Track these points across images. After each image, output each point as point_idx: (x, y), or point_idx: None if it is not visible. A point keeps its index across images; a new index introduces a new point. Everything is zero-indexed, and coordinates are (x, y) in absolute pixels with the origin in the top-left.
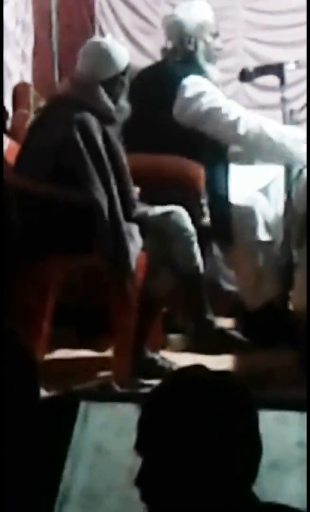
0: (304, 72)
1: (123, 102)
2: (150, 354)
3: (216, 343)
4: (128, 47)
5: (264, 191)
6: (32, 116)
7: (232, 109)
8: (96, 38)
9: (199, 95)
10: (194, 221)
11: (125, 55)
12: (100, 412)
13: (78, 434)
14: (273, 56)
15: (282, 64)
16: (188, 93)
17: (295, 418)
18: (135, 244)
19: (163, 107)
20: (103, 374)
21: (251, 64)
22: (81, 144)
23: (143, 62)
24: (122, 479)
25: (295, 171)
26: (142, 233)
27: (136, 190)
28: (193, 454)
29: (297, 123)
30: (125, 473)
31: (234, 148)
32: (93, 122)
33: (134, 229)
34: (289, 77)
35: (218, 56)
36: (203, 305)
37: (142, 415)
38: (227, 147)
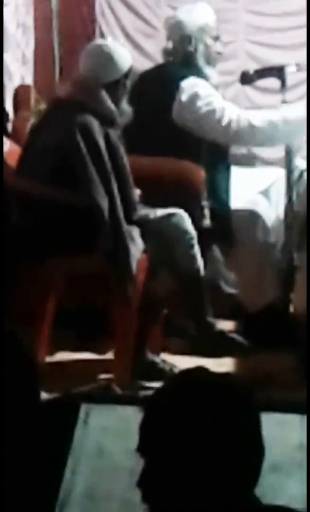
0: (305, 74)
1: (125, 105)
2: (150, 357)
3: (216, 345)
4: (128, 49)
5: (265, 193)
6: (33, 119)
7: (225, 112)
8: (99, 40)
9: (196, 98)
10: (195, 224)
11: (127, 58)
12: (101, 414)
13: (78, 437)
14: (274, 58)
15: (283, 66)
16: (185, 95)
17: (296, 421)
18: (136, 246)
19: (163, 110)
20: (103, 376)
21: (252, 67)
22: (83, 147)
23: (143, 64)
24: (123, 482)
25: (296, 174)
26: (143, 235)
27: (137, 192)
28: (195, 456)
29: None
30: (126, 475)
31: (235, 151)
32: (95, 125)
33: (135, 231)
34: (290, 79)
35: (218, 59)
36: (204, 308)
37: (145, 417)
38: (228, 149)
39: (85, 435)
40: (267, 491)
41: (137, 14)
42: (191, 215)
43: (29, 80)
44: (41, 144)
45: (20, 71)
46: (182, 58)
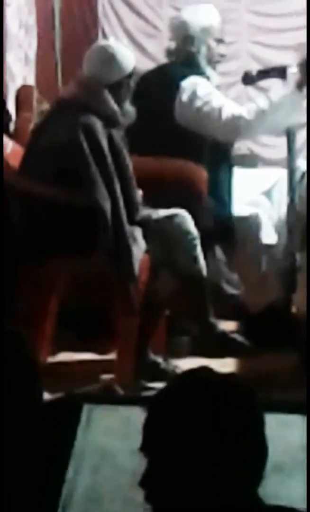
0: None
1: (128, 105)
2: (153, 357)
3: (218, 346)
4: (130, 49)
5: (267, 194)
6: (35, 119)
7: (224, 109)
8: (103, 41)
9: (195, 97)
10: (197, 224)
11: (131, 58)
12: (103, 415)
13: (81, 437)
14: (276, 59)
15: (285, 67)
16: (186, 95)
17: (298, 421)
18: (138, 247)
19: (164, 110)
20: (106, 377)
21: (254, 67)
22: (86, 147)
23: (145, 64)
24: (125, 482)
25: (298, 174)
26: (145, 236)
27: (139, 193)
28: (198, 455)
29: (300, 126)
30: (128, 476)
31: (237, 151)
32: (98, 125)
33: (138, 232)
34: (292, 80)
35: (220, 61)
36: (206, 308)
37: (149, 417)
38: (230, 150)
39: (87, 436)
40: (269, 492)
41: (139, 14)
42: (194, 216)
43: (31, 81)
44: (44, 144)
45: (23, 72)
46: (184, 58)
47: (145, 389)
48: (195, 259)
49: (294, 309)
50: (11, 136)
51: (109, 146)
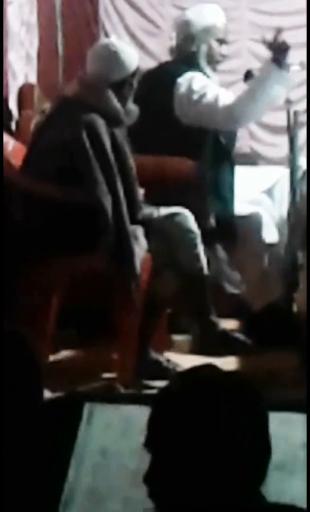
0: None
1: (131, 104)
2: (154, 356)
3: (220, 344)
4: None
5: (269, 192)
6: (36, 117)
7: (219, 100)
8: (106, 40)
9: (192, 91)
10: (198, 223)
11: (134, 57)
12: (104, 413)
13: (82, 436)
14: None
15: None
16: (182, 91)
17: (300, 420)
18: (140, 246)
19: (164, 108)
20: (107, 375)
21: (255, 66)
22: (88, 146)
23: (147, 63)
24: (126, 481)
25: (299, 173)
26: (147, 234)
27: (140, 191)
28: (202, 453)
29: (302, 124)
30: (129, 474)
31: (239, 150)
32: (101, 124)
33: (139, 231)
34: (294, 78)
35: (221, 61)
36: (207, 307)
37: (153, 413)
38: (232, 148)
39: (88, 434)
40: (271, 490)
41: (141, 13)
42: (195, 214)
43: (33, 79)
44: (46, 142)
45: (24, 70)
46: (184, 57)
47: (146, 388)
48: (196, 257)
49: (295, 308)
50: (12, 134)
51: (111, 145)
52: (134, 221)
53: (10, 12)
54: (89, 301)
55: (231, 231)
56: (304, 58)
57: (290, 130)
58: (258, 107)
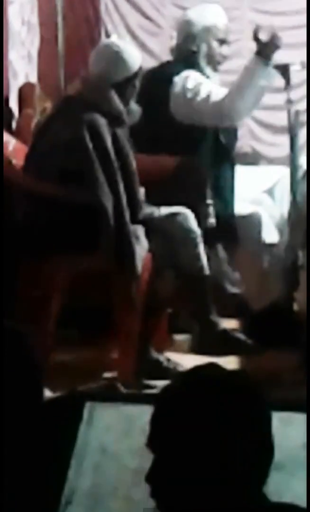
0: None
1: (134, 104)
2: (155, 355)
3: (220, 344)
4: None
5: (269, 192)
6: (37, 117)
7: (211, 96)
8: (109, 40)
9: (186, 89)
10: (199, 223)
11: (137, 57)
12: (105, 413)
13: (82, 435)
14: (278, 57)
15: (287, 65)
16: (177, 89)
17: (300, 420)
18: (141, 246)
19: (161, 107)
20: (108, 375)
21: None
22: (90, 145)
23: (148, 62)
24: (127, 480)
25: (300, 172)
26: (147, 234)
27: (141, 190)
28: (204, 452)
29: (303, 124)
30: (129, 474)
31: (240, 150)
32: (103, 124)
33: (140, 231)
34: (294, 78)
35: (222, 62)
36: (208, 306)
37: (155, 412)
38: (233, 148)
39: (89, 434)
40: (271, 490)
41: (142, 12)
42: (196, 214)
43: (33, 78)
44: (48, 142)
45: (25, 69)
46: (184, 56)
47: (146, 387)
48: (197, 257)
49: (296, 308)
50: (13, 133)
51: (113, 145)
52: (135, 221)
53: (11, 11)
54: (90, 300)
55: (231, 231)
56: (305, 58)
57: (291, 130)
58: (246, 101)
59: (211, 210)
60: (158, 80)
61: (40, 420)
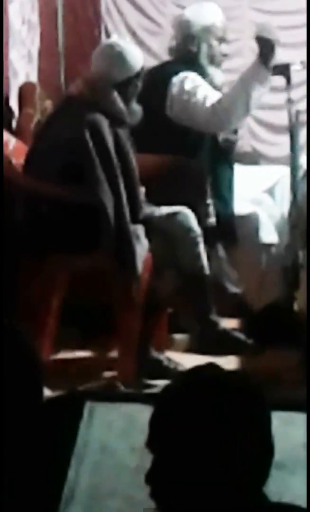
0: None
1: (135, 104)
2: (155, 355)
3: (220, 344)
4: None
5: (270, 192)
6: (37, 116)
7: (207, 100)
8: (111, 40)
9: (183, 91)
10: (199, 222)
11: (139, 57)
12: (105, 412)
13: (82, 434)
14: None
15: (288, 64)
16: (175, 90)
17: (300, 419)
18: (142, 245)
19: (159, 107)
20: (108, 374)
21: None
22: (91, 145)
23: (149, 62)
24: (127, 479)
25: (301, 172)
26: (148, 233)
27: (142, 190)
28: (204, 452)
29: (303, 124)
30: (129, 473)
31: (239, 149)
32: (104, 124)
33: (140, 230)
34: (295, 77)
35: (223, 60)
36: (208, 306)
37: (155, 413)
38: (232, 147)
39: (89, 433)
40: (271, 490)
41: (142, 12)
42: (196, 213)
43: (34, 78)
44: (49, 141)
45: (25, 69)
46: (184, 57)
47: (146, 387)
48: (197, 256)
49: (296, 307)
50: (13, 133)
51: (114, 145)
52: (135, 220)
53: (12, 10)
54: (91, 300)
55: (231, 231)
56: (305, 57)
57: (292, 130)
58: (240, 108)
59: (211, 209)
60: (157, 80)
61: (40, 420)
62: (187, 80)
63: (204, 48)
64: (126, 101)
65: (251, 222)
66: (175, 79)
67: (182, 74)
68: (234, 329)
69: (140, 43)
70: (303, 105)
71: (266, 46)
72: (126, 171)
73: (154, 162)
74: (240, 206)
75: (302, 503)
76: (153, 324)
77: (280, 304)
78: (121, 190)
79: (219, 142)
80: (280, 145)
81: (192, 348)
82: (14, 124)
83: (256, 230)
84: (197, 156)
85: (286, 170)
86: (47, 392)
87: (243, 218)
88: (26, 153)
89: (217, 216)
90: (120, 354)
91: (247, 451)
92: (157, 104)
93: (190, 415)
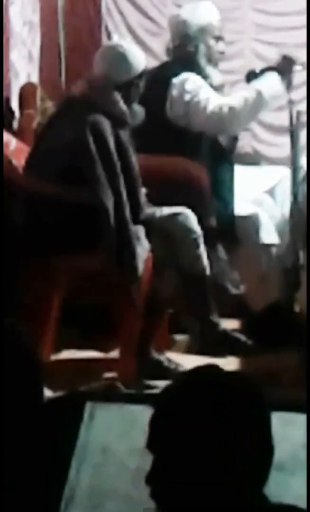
0: None
1: (137, 106)
2: (155, 355)
3: (220, 345)
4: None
5: (270, 192)
6: (38, 117)
7: (209, 102)
8: (114, 41)
9: (184, 92)
10: (200, 223)
11: (142, 59)
12: (106, 413)
13: (83, 435)
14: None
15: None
16: (176, 91)
17: (300, 420)
18: (142, 246)
19: (159, 108)
20: (109, 375)
21: (258, 66)
22: (93, 147)
23: (149, 63)
24: (127, 480)
25: (301, 173)
26: (148, 234)
27: (142, 191)
28: (204, 453)
29: (304, 125)
30: (130, 474)
31: (240, 150)
32: (106, 125)
33: (141, 231)
34: (295, 78)
35: (220, 59)
36: (208, 307)
37: (155, 414)
38: (233, 148)
39: (89, 434)
40: (271, 490)
41: (143, 12)
42: (197, 214)
43: (35, 78)
44: (51, 142)
45: (26, 69)
46: (183, 57)
47: (147, 387)
48: (198, 257)
49: (297, 308)
50: (14, 133)
51: (116, 146)
52: (136, 221)
53: (13, 11)
54: (91, 301)
55: (231, 231)
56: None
57: (292, 130)
58: (248, 118)
59: (211, 210)
60: (157, 80)
61: (40, 420)
62: (189, 81)
63: (201, 48)
64: (128, 102)
65: (251, 222)
66: (175, 80)
67: (182, 75)
68: (234, 330)
69: (141, 43)
70: (304, 106)
71: (289, 67)
72: (126, 172)
73: (156, 163)
74: (241, 206)
75: (302, 503)
76: (153, 325)
77: (281, 304)
78: (122, 191)
79: (220, 141)
80: (281, 146)
81: (193, 349)
82: (15, 124)
83: (256, 230)
84: (197, 157)
85: (286, 171)
86: (47, 393)
87: (244, 218)
88: (27, 154)
89: (218, 216)
90: (120, 355)
91: (247, 452)
92: (157, 105)
93: (190, 415)
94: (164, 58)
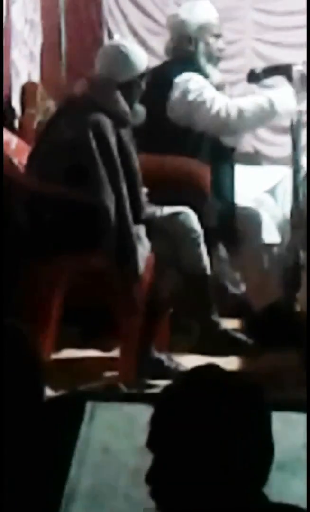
0: None
1: (138, 105)
2: (156, 355)
3: (221, 344)
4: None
5: (271, 192)
6: (39, 116)
7: (215, 101)
8: (116, 41)
9: (187, 92)
10: (201, 222)
11: (144, 59)
12: (106, 412)
13: (83, 434)
14: (281, 57)
15: (290, 65)
16: (178, 91)
17: (302, 420)
18: (143, 246)
19: (160, 108)
20: (109, 374)
21: (259, 65)
22: (94, 146)
23: (151, 62)
24: (128, 480)
25: (302, 173)
26: (149, 233)
27: (143, 190)
28: (204, 453)
29: (305, 124)
30: (130, 473)
31: (241, 149)
32: (108, 125)
33: (142, 231)
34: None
35: (220, 57)
36: (209, 306)
37: (155, 413)
38: (232, 147)
39: (90, 433)
40: (272, 490)
41: (144, 12)
42: (198, 213)
43: (36, 77)
44: (52, 141)
45: (27, 68)
46: (183, 56)
47: (148, 387)
48: (199, 257)
49: (297, 308)
50: (15, 132)
51: (117, 145)
52: (137, 221)
53: (14, 10)
54: (92, 300)
55: (232, 231)
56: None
57: (293, 130)
58: (255, 125)
59: (212, 209)
60: (158, 80)
61: (41, 420)
62: (192, 81)
63: (201, 47)
64: (130, 102)
65: (252, 222)
66: (178, 80)
67: (184, 75)
68: (235, 330)
69: (142, 42)
70: (305, 106)
71: (303, 83)
72: (128, 172)
73: (156, 162)
74: (242, 206)
75: (303, 503)
76: (154, 324)
77: (281, 304)
78: (123, 191)
79: (222, 141)
80: (282, 145)
81: (193, 349)
82: (16, 123)
83: (257, 230)
84: (198, 157)
85: (287, 171)
86: (48, 392)
87: (245, 218)
88: (28, 153)
89: (219, 216)
90: (121, 354)
91: (247, 451)
92: (159, 105)
93: (191, 415)
94: (165, 57)
